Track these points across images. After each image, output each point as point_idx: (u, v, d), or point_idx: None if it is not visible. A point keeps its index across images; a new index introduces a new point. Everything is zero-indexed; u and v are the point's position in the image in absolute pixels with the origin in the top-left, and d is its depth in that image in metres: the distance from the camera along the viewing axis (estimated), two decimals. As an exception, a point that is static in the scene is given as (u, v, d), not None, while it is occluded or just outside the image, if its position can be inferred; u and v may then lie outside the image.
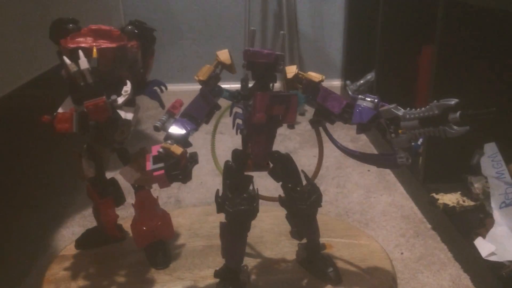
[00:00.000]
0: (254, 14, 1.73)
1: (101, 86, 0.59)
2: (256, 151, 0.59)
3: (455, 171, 0.99)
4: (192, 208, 0.99)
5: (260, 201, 0.61)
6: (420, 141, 1.04)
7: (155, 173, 0.52)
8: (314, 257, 0.68)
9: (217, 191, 0.61)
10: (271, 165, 0.62)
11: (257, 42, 1.78)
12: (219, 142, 1.27)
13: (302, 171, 0.64)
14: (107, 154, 0.71)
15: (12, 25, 0.85)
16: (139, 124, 1.59)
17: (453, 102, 0.47)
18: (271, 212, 0.78)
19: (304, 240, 0.68)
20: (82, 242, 0.78)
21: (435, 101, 0.48)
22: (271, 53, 0.54)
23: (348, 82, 1.59)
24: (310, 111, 0.60)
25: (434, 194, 0.95)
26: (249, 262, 0.71)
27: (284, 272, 0.70)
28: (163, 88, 0.70)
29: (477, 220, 0.87)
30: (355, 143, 1.42)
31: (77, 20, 0.65)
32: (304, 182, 0.64)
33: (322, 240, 0.68)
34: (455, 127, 0.47)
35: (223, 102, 0.61)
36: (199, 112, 0.58)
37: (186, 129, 0.56)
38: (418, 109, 0.50)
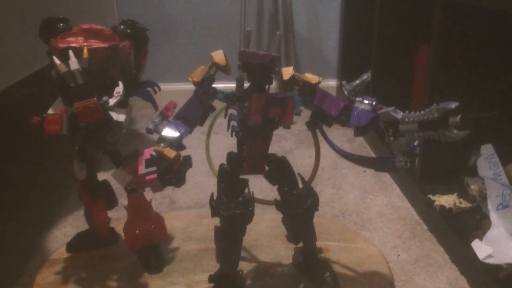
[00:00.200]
0: (249, 14, 1.72)
1: (92, 87, 0.57)
2: (251, 154, 0.58)
3: (451, 172, 0.99)
4: (187, 210, 0.98)
5: (256, 203, 0.60)
6: (416, 141, 1.03)
7: (148, 177, 0.51)
8: (310, 261, 0.67)
9: (212, 194, 0.59)
10: (267, 168, 0.61)
11: (253, 43, 1.77)
12: (215, 142, 1.24)
13: (299, 174, 0.63)
14: (99, 156, 0.69)
15: (1, 24, 0.84)
16: (132, 124, 1.57)
17: (453, 106, 0.46)
18: (267, 215, 0.77)
19: (301, 244, 0.67)
20: (74, 245, 0.77)
21: (435, 104, 0.47)
22: (267, 55, 0.53)
23: (344, 82, 1.57)
24: (306, 111, 0.59)
25: (430, 196, 0.95)
26: (245, 266, 0.70)
27: (280, 277, 0.69)
28: (157, 89, 0.69)
29: (474, 222, 0.87)
30: (351, 143, 1.41)
31: (68, 19, 0.63)
32: (301, 185, 0.62)
33: (319, 243, 0.67)
34: (455, 131, 0.46)
35: (218, 104, 0.60)
36: (193, 114, 0.56)
37: (179, 131, 0.55)
38: (417, 112, 0.49)
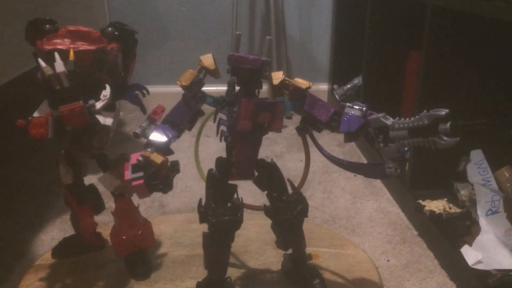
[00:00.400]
0: (241, 17, 1.71)
1: (78, 90, 0.56)
2: (240, 159, 0.57)
3: (441, 177, 0.99)
4: (175, 215, 0.97)
5: (245, 209, 0.59)
6: (406, 148, 1.03)
7: (134, 183, 0.50)
8: (299, 268, 0.66)
9: (200, 200, 0.59)
10: (256, 173, 0.60)
11: (244, 47, 1.77)
12: (205, 145, 1.25)
13: (288, 180, 0.62)
14: (86, 160, 0.68)
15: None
16: (122, 127, 1.55)
17: (443, 113, 0.45)
18: (256, 220, 0.76)
19: (290, 250, 0.66)
20: (59, 251, 0.75)
21: (425, 111, 0.47)
22: (256, 59, 0.53)
23: (335, 86, 1.59)
24: (297, 115, 0.59)
25: (420, 201, 0.95)
26: (233, 273, 0.69)
27: (269, 284, 0.68)
28: (145, 92, 0.68)
29: (464, 227, 0.87)
30: (342, 148, 1.41)
31: (55, 21, 0.62)
32: (291, 191, 0.62)
33: (308, 249, 0.66)
34: (445, 138, 0.46)
35: (208, 108, 0.59)
36: (182, 119, 0.55)
37: (167, 136, 0.54)
38: (408, 118, 0.49)
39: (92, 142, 0.61)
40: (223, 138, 0.58)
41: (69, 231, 0.79)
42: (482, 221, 0.84)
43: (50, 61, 0.57)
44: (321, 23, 1.76)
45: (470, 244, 0.80)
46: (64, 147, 0.66)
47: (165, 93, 1.32)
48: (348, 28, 1.62)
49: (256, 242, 0.78)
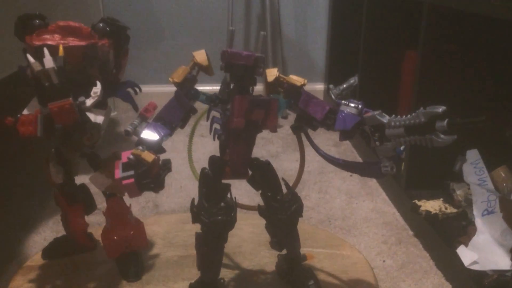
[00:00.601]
0: (237, 18, 1.71)
1: (68, 86, 0.55)
2: (234, 158, 0.56)
3: (437, 177, 0.99)
4: (168, 215, 0.96)
5: (239, 208, 0.58)
6: (402, 146, 1.03)
7: (124, 182, 0.49)
8: (294, 269, 0.65)
9: (193, 200, 0.57)
10: (250, 172, 0.59)
11: (240, 45, 1.76)
12: (200, 145, 1.23)
13: (283, 179, 0.61)
14: (77, 159, 0.67)
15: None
16: (116, 126, 1.54)
17: (440, 110, 0.44)
18: (250, 220, 0.75)
19: (284, 251, 0.65)
20: (50, 251, 0.74)
21: (422, 108, 0.46)
22: (250, 55, 0.52)
23: (331, 86, 1.57)
24: (293, 114, 0.58)
25: (416, 201, 0.94)
26: (226, 274, 0.68)
27: (263, 285, 0.67)
28: (137, 89, 0.67)
29: (460, 227, 0.87)
30: (338, 147, 1.41)
31: (44, 16, 0.61)
32: (285, 191, 0.61)
33: (303, 250, 0.66)
34: (442, 136, 0.45)
35: (202, 106, 0.58)
36: (174, 116, 0.54)
37: (159, 134, 0.53)
38: (404, 116, 0.48)
39: (82, 140, 0.60)
40: (216, 136, 0.57)
41: (62, 232, 0.78)
42: (478, 221, 0.84)
43: (39, 57, 0.55)
44: (317, 22, 1.76)
45: (466, 245, 0.80)
46: (55, 145, 0.65)
47: (160, 93, 1.31)
48: (344, 27, 1.61)
49: (250, 242, 0.77)
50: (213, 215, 0.55)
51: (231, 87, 0.55)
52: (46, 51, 0.55)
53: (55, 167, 0.65)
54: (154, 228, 0.81)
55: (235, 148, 0.56)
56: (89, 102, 0.57)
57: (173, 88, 0.55)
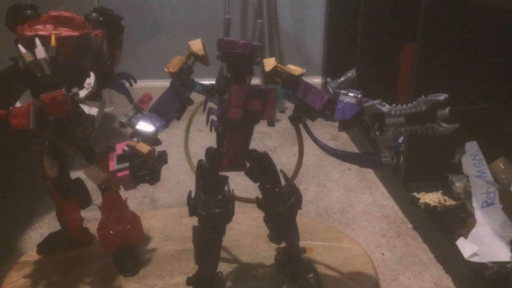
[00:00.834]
0: (233, 11, 1.69)
1: (60, 77, 0.54)
2: (231, 150, 0.55)
3: (436, 170, 0.98)
4: (166, 209, 0.95)
5: (237, 202, 0.57)
6: (401, 139, 1.02)
7: (119, 174, 0.48)
8: (293, 262, 0.64)
9: (189, 192, 0.57)
10: (248, 164, 0.58)
11: (236, 36, 1.75)
12: (198, 139, 1.22)
13: (281, 171, 0.60)
14: (71, 152, 0.66)
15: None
16: (112, 121, 1.52)
17: (442, 98, 0.43)
18: (248, 214, 0.75)
19: (283, 244, 0.64)
20: (45, 247, 0.73)
21: (423, 96, 0.45)
22: (247, 43, 0.50)
23: (328, 79, 1.57)
24: (290, 108, 0.57)
25: (415, 194, 0.94)
26: (224, 268, 0.67)
27: (262, 279, 0.67)
28: (132, 81, 0.65)
29: (459, 220, 0.86)
30: (336, 141, 1.40)
31: (36, 6, 0.60)
32: (284, 183, 0.60)
33: (302, 243, 0.65)
34: (443, 124, 0.44)
35: (197, 98, 0.57)
36: (170, 107, 0.53)
37: (154, 125, 0.52)
38: (405, 105, 0.47)
39: (76, 132, 0.58)
40: (213, 128, 0.56)
41: (58, 227, 0.77)
42: (478, 214, 0.83)
43: (31, 48, 0.54)
44: (314, 15, 1.75)
45: (466, 237, 0.79)
46: (49, 139, 0.63)
47: (156, 87, 1.29)
48: (342, 19, 1.60)
49: (248, 236, 0.76)
50: (210, 207, 0.54)
51: (228, 77, 0.54)
52: (37, 41, 0.54)
53: (49, 160, 0.64)
54: (151, 222, 0.80)
55: (233, 140, 0.55)
56: (82, 93, 0.56)
57: (169, 82, 0.54)
